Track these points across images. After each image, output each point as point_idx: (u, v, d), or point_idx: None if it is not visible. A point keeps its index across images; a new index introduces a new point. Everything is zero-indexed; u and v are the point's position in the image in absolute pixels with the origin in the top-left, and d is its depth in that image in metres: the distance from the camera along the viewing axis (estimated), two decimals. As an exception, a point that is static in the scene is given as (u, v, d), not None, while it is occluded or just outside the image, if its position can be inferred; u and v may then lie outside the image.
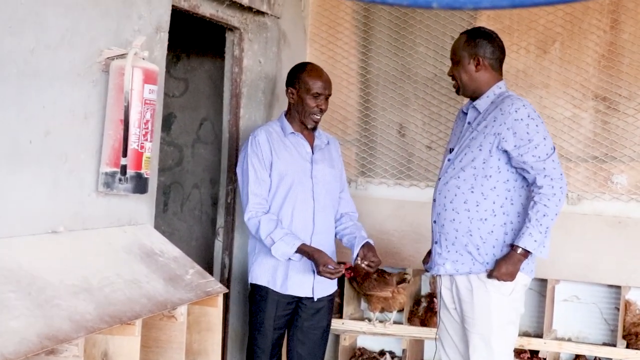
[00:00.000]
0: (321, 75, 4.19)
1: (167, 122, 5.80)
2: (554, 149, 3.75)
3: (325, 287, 4.24)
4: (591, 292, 5.03)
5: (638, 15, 4.81)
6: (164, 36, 3.65)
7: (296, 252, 4.01)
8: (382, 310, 5.03)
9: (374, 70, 5.28)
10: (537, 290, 5.00)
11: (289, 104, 4.25)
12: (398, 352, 5.33)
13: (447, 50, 4.32)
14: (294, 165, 4.15)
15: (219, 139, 5.04)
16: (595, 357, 4.95)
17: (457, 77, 3.91)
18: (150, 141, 3.30)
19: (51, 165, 3.03)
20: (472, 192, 3.79)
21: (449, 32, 5.07)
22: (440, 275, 3.96)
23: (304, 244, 4.03)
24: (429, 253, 4.10)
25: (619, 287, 4.83)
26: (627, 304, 4.84)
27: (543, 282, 4.87)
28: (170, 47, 3.75)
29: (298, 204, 4.14)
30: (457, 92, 3.98)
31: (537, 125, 3.71)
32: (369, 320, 5.07)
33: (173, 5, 3.76)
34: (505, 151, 3.73)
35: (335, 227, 4.33)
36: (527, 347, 4.87)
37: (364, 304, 5.28)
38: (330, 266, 3.97)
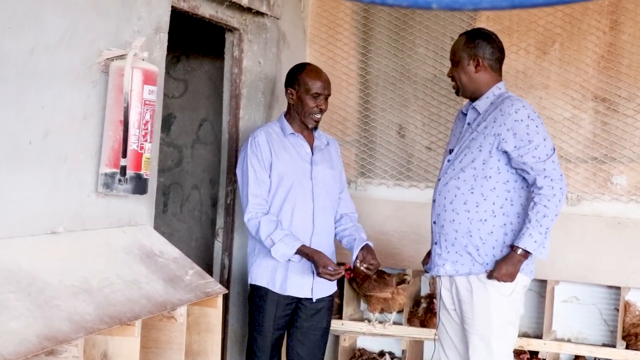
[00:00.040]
0: (320, 75, 4.20)
1: (167, 122, 5.80)
2: (554, 149, 3.75)
3: (325, 287, 4.24)
4: (591, 293, 5.03)
5: (637, 16, 4.81)
6: (164, 37, 3.65)
7: (296, 253, 4.01)
8: (382, 311, 5.03)
9: (374, 71, 5.28)
10: (536, 291, 5.00)
11: (289, 104, 4.25)
12: (398, 353, 5.33)
13: (447, 51, 4.33)
14: (294, 166, 4.15)
15: (219, 140, 5.04)
16: (595, 358, 4.94)
17: (456, 78, 3.91)
18: (150, 142, 3.30)
19: (50, 166, 3.03)
20: (472, 192, 3.79)
21: (449, 33, 5.07)
22: (439, 276, 3.96)
23: (303, 245, 4.03)
24: (429, 254, 4.10)
25: (618, 288, 4.83)
26: (627, 305, 4.84)
27: (543, 283, 4.87)
28: (170, 48, 3.75)
29: (298, 204, 4.14)
30: (457, 93, 3.98)
31: (537, 126, 3.71)
32: (369, 321, 5.07)
33: (172, 6, 3.76)
34: (505, 152, 3.73)
35: (335, 228, 4.33)
36: (526, 348, 4.87)
37: (363, 305, 5.28)
38: (329, 268, 3.97)
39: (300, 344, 4.26)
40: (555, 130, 4.84)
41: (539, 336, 4.92)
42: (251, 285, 4.22)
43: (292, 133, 4.19)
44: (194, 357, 3.50)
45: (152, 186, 3.62)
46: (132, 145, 3.21)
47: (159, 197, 5.65)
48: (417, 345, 5.19)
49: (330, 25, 5.32)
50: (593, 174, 4.90)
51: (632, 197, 4.84)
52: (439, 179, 3.96)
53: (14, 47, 2.80)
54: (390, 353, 5.36)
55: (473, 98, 3.91)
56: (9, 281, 2.65)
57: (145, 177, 3.30)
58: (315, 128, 4.25)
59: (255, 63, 4.72)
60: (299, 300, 4.20)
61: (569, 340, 5.01)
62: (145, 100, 3.23)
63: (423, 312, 5.10)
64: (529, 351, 4.92)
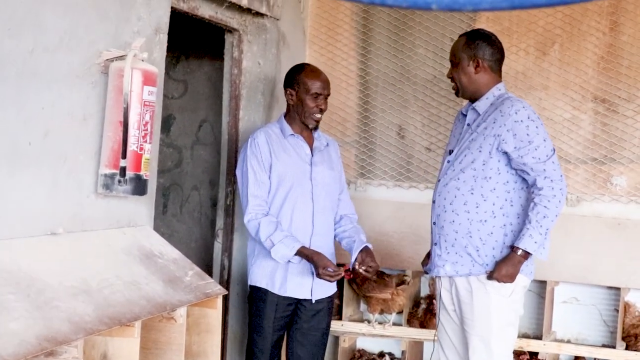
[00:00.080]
0: (320, 75, 4.20)
1: (167, 123, 5.80)
2: (554, 150, 3.75)
3: (324, 288, 4.24)
4: (590, 294, 5.02)
5: (637, 17, 4.81)
6: (163, 38, 3.64)
7: (296, 254, 4.01)
8: (382, 312, 5.03)
9: (374, 72, 5.28)
10: (536, 292, 5.00)
11: (288, 105, 4.25)
12: (397, 354, 5.32)
13: (447, 51, 4.33)
14: (293, 167, 4.15)
15: (218, 141, 5.04)
16: (595, 359, 4.94)
17: (456, 79, 3.91)
18: (150, 143, 3.30)
19: (50, 167, 3.03)
20: (472, 193, 3.79)
21: (448, 34, 5.07)
22: (439, 277, 3.95)
23: (303, 247, 4.03)
24: (428, 255, 4.10)
25: (618, 289, 4.82)
26: (627, 306, 4.84)
27: (542, 283, 4.87)
28: (170, 49, 3.75)
29: (297, 205, 4.14)
30: (457, 93, 3.98)
31: (537, 127, 3.72)
32: (369, 321, 5.07)
33: (172, 7, 3.76)
34: (505, 153, 3.73)
35: (335, 229, 4.33)
36: (526, 349, 4.87)
37: (363, 306, 5.28)
38: (329, 269, 3.97)
39: (300, 344, 4.26)
40: (555, 131, 4.84)
41: (538, 337, 4.91)
42: (251, 286, 4.22)
43: (292, 134, 4.20)
44: (193, 358, 3.50)
45: (152, 187, 3.62)
46: (132, 146, 3.20)
47: (159, 198, 5.65)
48: (417, 346, 5.19)
49: (330, 26, 5.32)
50: (593, 174, 4.90)
51: (631, 198, 4.84)
52: (439, 180, 3.96)
53: (13, 48, 2.80)
54: (390, 354, 5.36)
55: (473, 99, 3.91)
56: (8, 282, 2.65)
57: (144, 178, 3.30)
58: (316, 128, 4.25)
59: (254, 64, 4.72)
60: (298, 301, 4.20)
61: (568, 341, 5.01)
62: (144, 101, 3.23)
63: (423, 313, 5.10)
64: (528, 352, 4.92)
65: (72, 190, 3.15)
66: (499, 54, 3.91)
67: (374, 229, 5.01)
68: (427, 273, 4.13)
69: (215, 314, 3.52)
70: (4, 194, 2.83)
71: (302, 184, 4.16)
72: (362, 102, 5.31)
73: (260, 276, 4.16)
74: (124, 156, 3.18)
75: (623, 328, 4.80)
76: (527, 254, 3.70)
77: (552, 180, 3.68)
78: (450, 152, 3.95)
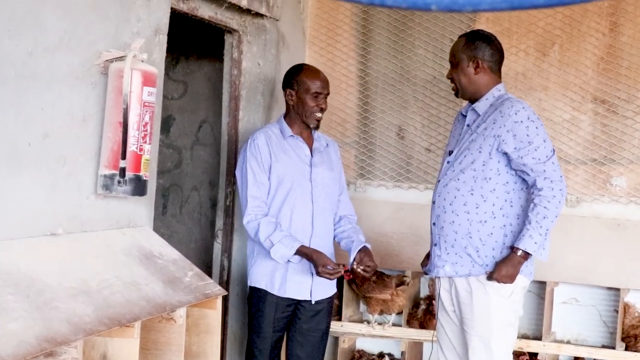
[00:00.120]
0: (319, 74, 4.22)
1: (166, 124, 5.80)
2: (554, 151, 3.76)
3: (324, 289, 4.24)
4: (590, 295, 5.02)
5: (637, 18, 4.81)
6: (163, 38, 3.64)
7: (295, 254, 4.01)
8: (381, 312, 5.02)
9: (373, 73, 5.28)
10: (536, 293, 5.00)
11: (288, 106, 4.25)
12: (397, 355, 5.32)
13: (446, 52, 4.33)
14: (293, 168, 4.16)
15: (218, 142, 5.04)
16: (594, 360, 4.95)
17: (456, 79, 3.91)
18: (149, 143, 3.30)
19: (50, 168, 3.03)
20: (472, 194, 3.79)
21: (448, 35, 5.07)
22: (439, 278, 3.95)
23: (302, 246, 4.03)
24: (427, 256, 4.10)
25: (618, 290, 4.82)
26: (626, 307, 4.84)
27: (542, 284, 4.87)
28: (169, 50, 3.75)
29: (297, 206, 4.14)
30: (456, 94, 3.98)
31: (537, 128, 3.72)
32: (368, 322, 5.07)
33: (172, 8, 3.76)
34: (505, 153, 3.73)
35: (334, 230, 4.33)
36: (526, 350, 4.87)
37: (363, 306, 5.28)
38: (329, 267, 3.97)
39: (300, 345, 4.26)
40: (554, 131, 4.84)
41: (538, 338, 4.91)
42: (250, 287, 4.22)
43: (292, 135, 4.20)
44: (193, 359, 3.50)
45: (152, 188, 3.62)
46: (132, 146, 3.20)
47: (158, 199, 5.65)
48: (417, 347, 5.19)
49: (330, 27, 5.32)
50: (592, 175, 4.90)
51: (631, 199, 4.84)
52: (439, 181, 3.96)
53: (13, 49, 2.80)
54: (390, 354, 5.36)
55: (472, 100, 3.91)
56: (7, 283, 2.65)
57: (144, 178, 3.30)
58: (317, 127, 4.25)
59: (254, 64, 4.72)
60: (298, 302, 4.20)
61: (568, 342, 5.00)
62: (144, 102, 3.23)
63: (422, 313, 5.10)
64: (528, 353, 4.91)
65: (72, 191, 3.15)
66: (499, 55, 3.91)
67: (373, 229, 5.01)
68: (426, 274, 4.13)
69: (214, 315, 3.52)
70: (4, 194, 2.83)
71: (302, 185, 4.16)
72: (362, 102, 5.31)
73: (260, 277, 4.16)
74: (123, 157, 3.18)
75: (623, 329, 4.80)
76: (527, 255, 3.70)
77: (552, 181, 3.68)
78: (450, 152, 3.95)
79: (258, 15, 4.61)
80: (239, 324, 4.71)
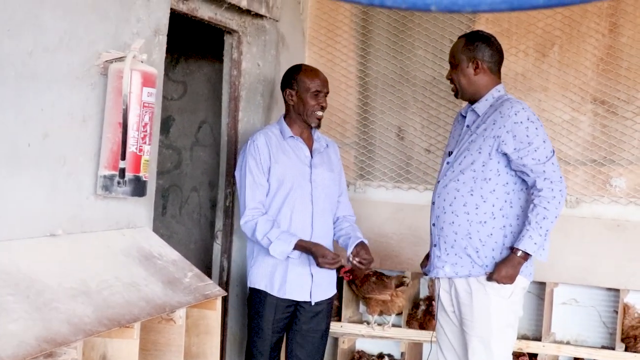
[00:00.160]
0: (318, 73, 4.24)
1: (166, 125, 5.80)
2: (554, 152, 3.76)
3: (324, 290, 4.24)
4: (590, 295, 5.02)
5: (636, 18, 4.81)
6: (163, 39, 3.64)
7: (294, 248, 4.03)
8: (381, 313, 5.02)
9: (373, 73, 5.28)
10: (535, 294, 5.00)
11: (288, 106, 4.25)
12: (397, 355, 5.32)
13: (446, 53, 4.33)
14: (293, 169, 4.16)
15: (218, 142, 5.04)
16: (594, 361, 4.95)
17: (455, 80, 3.91)
18: (149, 144, 3.30)
19: (49, 168, 3.03)
20: (472, 195, 3.79)
21: (448, 35, 5.07)
22: (438, 278, 3.95)
23: (301, 240, 4.05)
24: (427, 256, 4.10)
25: (617, 290, 4.82)
26: (626, 307, 4.84)
27: (542, 285, 4.87)
28: (169, 50, 3.75)
29: (297, 207, 4.14)
30: (456, 95, 3.98)
31: (536, 128, 3.72)
32: (368, 323, 5.07)
33: (171, 9, 3.75)
34: (505, 154, 3.73)
35: (333, 230, 4.34)
36: (525, 350, 4.87)
37: (362, 307, 5.28)
38: (328, 257, 3.99)
39: (300, 346, 4.26)
40: (554, 132, 4.84)
41: (538, 338, 4.91)
42: (250, 288, 4.22)
43: (292, 136, 4.20)
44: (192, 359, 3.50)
45: (151, 188, 3.62)
46: (131, 147, 3.20)
47: (158, 200, 5.65)
48: (416, 348, 5.19)
49: (330, 28, 5.32)
50: (592, 176, 4.90)
51: (631, 200, 4.83)
52: (438, 181, 3.96)
53: (13, 49, 2.80)
54: (389, 355, 5.36)
55: (472, 100, 3.91)
56: (7, 284, 2.65)
57: (144, 179, 3.29)
58: (318, 126, 4.25)
59: (254, 65, 4.72)
60: (297, 303, 4.20)
61: (568, 343, 5.00)
62: (144, 103, 3.22)
63: (422, 314, 5.10)
64: (528, 353, 4.91)
65: (72, 192, 3.15)
66: (498, 56, 3.91)
67: (373, 230, 5.00)
68: (426, 274, 4.13)
69: (214, 316, 3.52)
70: (4, 195, 2.83)
71: (302, 186, 4.16)
72: (362, 103, 5.31)
73: (260, 278, 4.16)
74: (123, 157, 3.18)
75: (622, 329, 4.80)
76: (526, 255, 3.70)
77: (551, 182, 3.68)
78: (450, 153, 3.95)
79: (258, 16, 4.61)
80: (239, 325, 4.71)
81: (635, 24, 4.81)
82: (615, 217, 4.85)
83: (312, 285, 4.17)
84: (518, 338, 4.50)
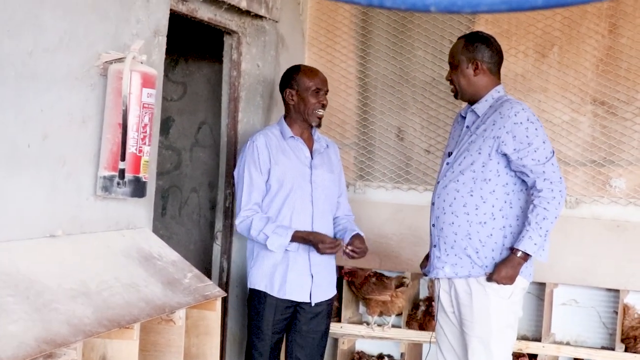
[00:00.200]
0: (317, 72, 4.27)
1: (166, 125, 5.80)
2: (553, 152, 3.76)
3: (324, 291, 4.24)
4: (590, 296, 5.02)
5: (636, 19, 4.81)
6: (162, 40, 3.64)
7: (291, 240, 4.04)
8: (381, 314, 5.02)
9: (373, 74, 5.28)
10: (535, 294, 5.00)
11: (288, 106, 4.26)
12: (396, 356, 5.32)
13: (446, 54, 4.33)
14: (293, 170, 4.16)
15: (217, 143, 5.04)
16: (594, 361, 4.95)
17: (455, 81, 3.91)
18: (149, 145, 3.30)
19: (49, 169, 3.03)
20: (472, 195, 3.79)
21: (447, 36, 5.07)
22: (438, 279, 3.95)
23: (297, 231, 4.06)
24: (427, 257, 4.10)
25: (617, 291, 4.82)
26: (626, 308, 4.84)
27: (541, 285, 4.87)
28: (169, 51, 3.75)
29: (297, 208, 4.14)
30: (456, 96, 3.98)
31: (536, 129, 3.72)
32: (368, 323, 5.07)
33: (171, 9, 3.75)
34: (505, 155, 3.73)
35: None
36: (525, 351, 4.87)
37: (362, 308, 5.28)
38: (327, 242, 4.01)
39: (300, 347, 4.26)
40: (554, 133, 4.84)
41: (537, 339, 4.92)
42: (250, 289, 4.22)
43: (292, 136, 4.20)
44: (192, 361, 3.50)
45: (151, 189, 3.62)
46: (131, 148, 3.20)
47: (158, 200, 5.65)
48: (416, 348, 5.19)
49: (329, 28, 5.32)
50: (592, 177, 4.90)
51: (630, 200, 4.83)
52: (438, 182, 3.96)
53: (12, 50, 2.80)
54: (389, 356, 5.36)
55: (472, 101, 3.91)
56: (7, 284, 2.65)
57: (143, 180, 3.29)
58: (319, 125, 4.26)
59: (253, 66, 4.72)
60: (297, 304, 4.20)
61: (567, 343, 5.00)
62: (143, 103, 3.22)
63: (422, 315, 5.10)
64: (527, 354, 4.91)
65: (71, 193, 3.15)
66: (498, 57, 3.91)
67: (372, 231, 5.00)
68: (425, 275, 4.13)
69: (214, 316, 3.52)
70: (3, 196, 2.83)
71: (302, 187, 4.16)
72: (361, 104, 5.31)
73: (260, 279, 4.16)
74: (122, 158, 3.18)
75: (622, 330, 4.80)
76: (526, 256, 3.70)
77: (551, 182, 3.68)
78: (449, 154, 3.95)
79: (257, 16, 4.61)
80: (239, 326, 4.71)
81: (634, 24, 4.81)
82: (615, 217, 4.85)
83: (312, 285, 4.17)
84: (518, 339, 4.49)
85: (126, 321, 2.90)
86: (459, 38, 3.98)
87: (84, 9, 3.12)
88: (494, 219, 3.77)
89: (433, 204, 3.96)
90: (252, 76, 4.72)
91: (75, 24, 3.07)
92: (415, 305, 5.20)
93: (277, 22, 4.78)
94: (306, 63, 5.15)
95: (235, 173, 4.21)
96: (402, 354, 5.07)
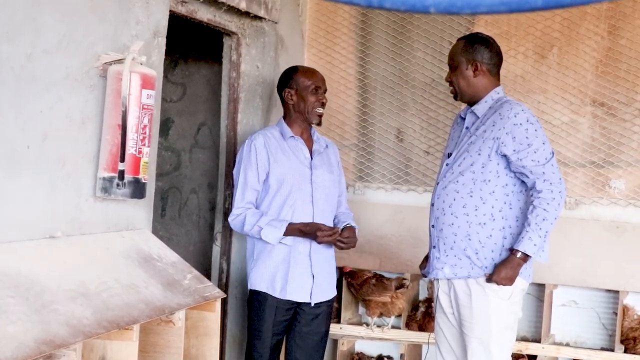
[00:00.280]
0: (315, 71, 4.31)
1: (165, 127, 5.80)
2: (553, 153, 3.76)
3: (324, 292, 4.24)
4: (589, 297, 5.02)
5: (635, 21, 4.81)
6: (162, 41, 3.65)
7: (286, 234, 4.04)
8: (381, 315, 5.02)
9: (372, 75, 5.28)
10: (535, 295, 5.00)
11: (287, 107, 4.26)
12: (396, 357, 5.32)
13: (445, 55, 4.33)
14: (293, 170, 4.16)
15: (217, 144, 5.04)
16: (593, 362, 4.95)
17: (455, 82, 3.91)
18: (148, 146, 3.30)
19: (49, 170, 3.03)
20: (471, 196, 3.79)
21: (447, 37, 5.07)
22: (437, 280, 3.95)
23: (291, 223, 4.06)
24: (426, 258, 4.10)
25: (617, 292, 4.83)
26: (625, 309, 4.84)
27: (541, 286, 4.87)
28: (168, 52, 3.75)
29: (297, 208, 4.14)
30: (455, 97, 3.98)
31: (536, 130, 3.72)
32: (367, 325, 5.07)
33: (170, 10, 3.76)
34: (504, 155, 3.73)
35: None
36: (525, 352, 4.87)
37: (361, 309, 5.28)
38: (324, 229, 4.03)
39: (299, 348, 4.26)
40: (553, 134, 4.84)
41: (537, 340, 4.92)
42: (250, 290, 4.21)
43: (292, 136, 4.20)
44: (192, 362, 3.50)
45: (150, 190, 3.62)
46: (130, 149, 3.20)
47: (157, 202, 5.65)
48: (416, 349, 5.19)
49: (329, 30, 5.32)
50: (591, 178, 4.90)
51: (630, 201, 4.84)
52: (438, 183, 3.96)
53: (11, 52, 2.80)
54: (389, 357, 5.36)
55: (471, 102, 3.91)
56: (6, 285, 2.65)
57: (143, 181, 3.30)
58: (319, 124, 4.26)
59: (253, 67, 4.72)
60: (298, 305, 4.20)
61: (567, 344, 5.00)
62: (143, 105, 3.22)
63: (421, 316, 5.10)
64: (527, 355, 4.92)
65: (71, 194, 3.15)
66: (497, 58, 3.91)
67: (372, 232, 5.01)
68: (425, 276, 4.13)
69: (213, 317, 3.52)
70: (3, 197, 2.83)
71: (302, 187, 4.16)
72: (361, 105, 5.31)
73: (260, 280, 4.16)
74: (122, 159, 3.18)
75: (622, 331, 4.80)
76: (526, 257, 3.70)
77: (551, 183, 3.68)
78: (449, 155, 3.95)
79: (257, 18, 4.61)
80: (238, 327, 4.71)
81: (634, 26, 4.81)
82: (615, 218, 4.85)
83: (313, 285, 4.17)
84: (517, 339, 4.49)
85: (126, 322, 2.90)
86: (459, 39, 3.98)
87: (83, 11, 3.12)
88: (494, 219, 3.77)
89: (432, 204, 3.96)
90: (251, 77, 4.72)
91: (74, 25, 3.07)
92: (414, 306, 5.20)
93: (276, 23, 4.79)
94: (306, 64, 5.15)
95: (235, 172, 4.23)
96: (401, 355, 5.06)
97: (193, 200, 5.91)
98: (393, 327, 5.06)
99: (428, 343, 4.27)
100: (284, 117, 4.27)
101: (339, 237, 4.12)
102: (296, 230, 4.07)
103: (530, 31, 4.97)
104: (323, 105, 4.23)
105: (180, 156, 5.92)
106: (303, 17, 5.27)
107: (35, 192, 2.98)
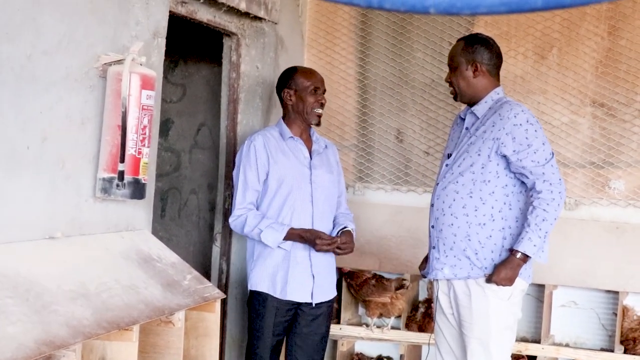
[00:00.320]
0: (314, 72, 4.32)
1: (165, 127, 5.80)
2: (553, 154, 3.76)
3: (324, 292, 4.24)
4: (589, 298, 5.02)
5: (635, 21, 4.81)
6: (162, 42, 3.64)
7: (286, 238, 4.04)
8: (381, 315, 5.02)
9: (372, 76, 5.28)
10: (534, 296, 5.00)
11: (286, 107, 4.26)
12: (396, 358, 5.32)
13: (445, 55, 4.33)
14: (292, 170, 4.16)
15: (217, 145, 5.04)
16: (593, 363, 4.95)
17: (454, 83, 3.91)
18: (148, 147, 3.30)
19: (48, 171, 3.03)
20: (471, 197, 3.79)
21: (447, 38, 5.07)
22: (437, 280, 3.95)
23: (292, 228, 4.06)
24: (426, 259, 4.10)
25: (616, 293, 4.83)
26: (625, 310, 4.84)
27: (541, 287, 4.87)
28: (168, 53, 3.75)
29: (297, 209, 4.14)
30: (455, 98, 3.98)
31: (535, 131, 3.72)
32: (367, 325, 5.07)
33: (170, 11, 3.76)
34: (504, 156, 3.73)
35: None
36: (524, 353, 4.87)
37: (361, 309, 5.28)
38: (324, 238, 4.02)
39: (299, 349, 4.26)
40: (553, 135, 4.84)
41: (537, 341, 4.92)
42: (251, 290, 4.21)
43: (292, 137, 4.21)
44: (192, 362, 3.50)
45: (150, 191, 3.62)
46: (130, 150, 3.20)
47: (157, 202, 5.65)
48: (415, 350, 5.19)
49: (328, 30, 5.32)
50: (591, 178, 4.90)
51: (630, 202, 4.83)
52: (437, 184, 3.96)
53: (11, 52, 2.80)
54: (388, 357, 5.36)
55: (471, 103, 3.91)
56: (6, 286, 2.65)
57: (143, 182, 3.29)
58: (319, 124, 4.26)
59: (253, 68, 4.72)
60: (298, 305, 4.20)
61: (567, 345, 5.00)
62: (143, 105, 3.22)
63: (421, 316, 5.10)
64: (527, 356, 4.92)
65: (71, 194, 3.15)
66: (497, 58, 3.91)
67: (372, 232, 5.01)
68: (425, 277, 4.13)
69: (213, 318, 3.52)
70: (2, 197, 2.83)
71: (302, 187, 4.17)
72: (361, 106, 5.31)
73: (261, 280, 4.16)
74: (122, 160, 3.18)
75: (621, 332, 4.80)
76: (526, 257, 3.70)
77: (551, 184, 3.68)
78: (449, 155, 3.95)
79: (257, 18, 4.61)
80: (238, 327, 4.71)
81: (634, 26, 4.81)
82: (614, 219, 4.85)
83: (314, 286, 4.17)
84: (517, 340, 4.50)
85: (125, 323, 2.90)
86: (459, 40, 3.98)
87: (83, 11, 3.12)
88: (493, 220, 3.77)
89: (432, 205, 3.96)
90: (251, 78, 4.72)
91: (74, 26, 3.07)
92: (414, 307, 5.20)
93: (276, 23, 4.79)
94: (305, 65, 5.15)
95: (234, 172, 4.23)
96: (401, 356, 5.06)
97: (193, 200, 5.91)
98: (393, 327, 5.06)
99: (428, 344, 4.27)
100: (284, 118, 4.28)
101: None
102: (296, 235, 4.08)
103: (530, 32, 4.97)
104: (322, 105, 4.24)
105: (180, 157, 5.92)
106: (303, 18, 5.27)
107: (35, 193, 2.98)
